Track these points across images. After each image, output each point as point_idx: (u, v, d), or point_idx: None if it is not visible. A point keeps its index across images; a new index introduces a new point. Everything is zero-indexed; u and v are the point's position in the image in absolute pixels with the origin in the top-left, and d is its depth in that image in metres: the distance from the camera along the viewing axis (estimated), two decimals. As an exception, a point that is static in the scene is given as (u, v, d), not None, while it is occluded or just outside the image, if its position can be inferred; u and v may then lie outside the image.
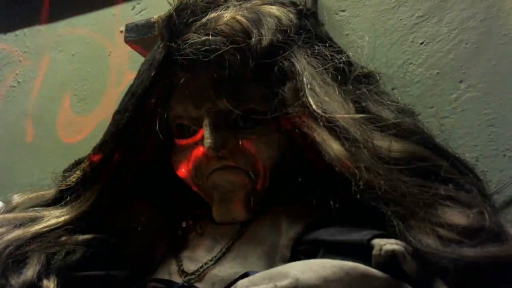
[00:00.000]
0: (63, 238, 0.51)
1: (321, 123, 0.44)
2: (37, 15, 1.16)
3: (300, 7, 0.54)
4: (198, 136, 0.52)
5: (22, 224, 0.51)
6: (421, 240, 0.37)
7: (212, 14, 0.49)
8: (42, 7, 1.15)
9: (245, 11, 0.48)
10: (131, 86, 0.54)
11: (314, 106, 0.44)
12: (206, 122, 0.50)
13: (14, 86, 1.15)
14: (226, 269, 0.49)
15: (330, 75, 0.47)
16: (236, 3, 0.50)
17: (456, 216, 0.38)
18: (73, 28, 1.11)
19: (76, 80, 1.07)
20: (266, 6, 0.51)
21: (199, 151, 0.52)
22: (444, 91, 0.70)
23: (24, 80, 1.14)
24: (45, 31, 1.15)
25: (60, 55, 1.11)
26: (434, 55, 0.71)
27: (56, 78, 1.10)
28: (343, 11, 0.80)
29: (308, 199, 0.48)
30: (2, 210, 0.56)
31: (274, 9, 0.50)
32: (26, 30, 1.17)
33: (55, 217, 0.52)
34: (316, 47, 0.50)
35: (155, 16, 0.51)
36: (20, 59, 1.16)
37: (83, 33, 1.08)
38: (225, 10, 0.49)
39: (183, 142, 0.54)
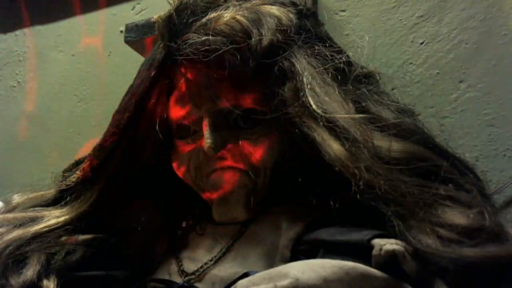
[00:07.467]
0: (63, 238, 0.51)
1: (321, 123, 0.44)
2: (37, 15, 1.16)
3: (300, 7, 0.54)
4: (198, 136, 0.52)
5: (22, 224, 0.52)
6: (421, 240, 0.37)
7: (212, 14, 0.49)
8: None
9: (245, 11, 0.48)
10: (131, 86, 0.54)
11: (314, 106, 0.44)
12: (206, 122, 0.50)
13: (14, 86, 1.15)
14: (226, 269, 0.49)
15: (330, 75, 0.47)
16: (236, 3, 0.50)
17: (456, 216, 0.38)
18: (73, 28, 1.11)
19: (76, 80, 1.07)
20: (266, 6, 0.51)
21: (199, 151, 0.52)
22: (444, 91, 0.70)
23: (24, 80, 1.14)
24: (45, 31, 1.15)
25: (60, 55, 1.11)
26: (434, 55, 0.71)
27: (56, 78, 1.10)
28: (343, 11, 0.79)
29: (308, 199, 0.48)
30: (2, 210, 0.56)
31: (274, 9, 0.50)
32: (26, 30, 1.17)
33: (55, 217, 0.53)
34: (316, 47, 0.50)
35: (155, 16, 0.51)
36: (20, 59, 1.16)
37: (83, 33, 1.08)
38: (225, 10, 0.49)
39: (183, 142, 0.54)
